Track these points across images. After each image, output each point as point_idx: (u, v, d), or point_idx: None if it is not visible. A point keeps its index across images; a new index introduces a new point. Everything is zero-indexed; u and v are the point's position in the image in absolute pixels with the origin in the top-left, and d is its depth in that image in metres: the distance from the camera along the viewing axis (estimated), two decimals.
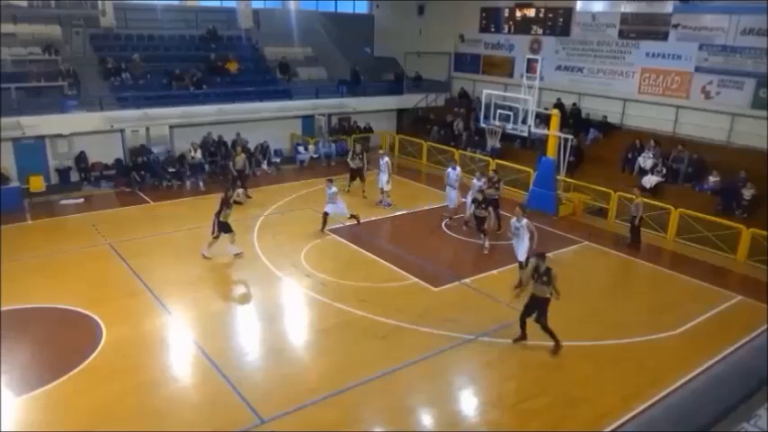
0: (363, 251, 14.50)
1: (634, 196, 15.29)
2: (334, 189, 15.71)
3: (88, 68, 21.14)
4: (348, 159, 19.07)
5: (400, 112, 27.20)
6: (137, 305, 11.50)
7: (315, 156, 23.07)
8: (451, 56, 27.88)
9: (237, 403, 8.62)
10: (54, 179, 19.14)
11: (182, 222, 16.15)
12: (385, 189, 17.82)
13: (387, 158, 17.84)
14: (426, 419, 8.76)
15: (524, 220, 12.61)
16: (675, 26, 19.73)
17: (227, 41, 25.04)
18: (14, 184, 17.40)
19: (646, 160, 18.70)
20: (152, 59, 22.46)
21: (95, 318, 10.82)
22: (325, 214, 15.47)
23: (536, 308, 9.84)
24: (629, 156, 19.30)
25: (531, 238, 12.47)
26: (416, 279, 12.91)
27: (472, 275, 13.13)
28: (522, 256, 12.66)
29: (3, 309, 11.07)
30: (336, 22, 29.34)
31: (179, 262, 13.61)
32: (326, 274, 13.00)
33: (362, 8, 32.25)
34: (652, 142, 18.95)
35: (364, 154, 18.98)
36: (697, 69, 19.30)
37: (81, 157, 19.33)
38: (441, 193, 19.52)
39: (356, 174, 18.75)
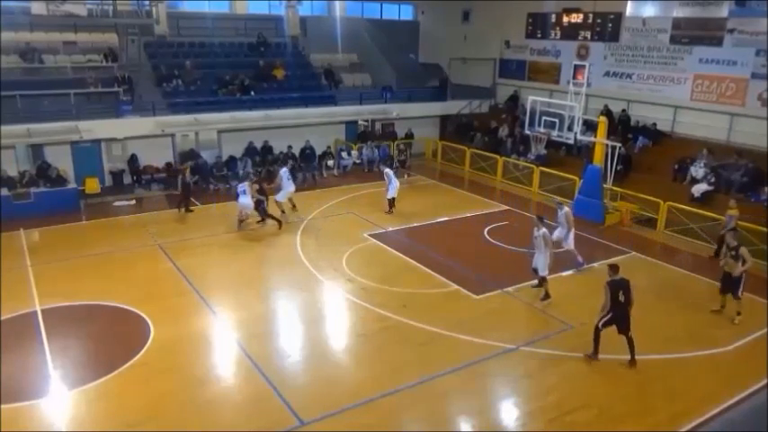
0: (404, 257, 14.49)
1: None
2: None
3: (142, 75, 21.94)
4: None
5: (444, 119, 27.14)
6: (183, 305, 11.83)
7: (357, 161, 23.24)
8: (496, 62, 27.66)
9: (278, 404, 8.74)
10: (108, 181, 19.96)
11: (228, 225, 16.49)
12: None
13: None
14: (465, 428, 8.68)
15: (542, 230, 11.97)
16: (731, 31, 19.06)
17: (274, 48, 25.54)
18: (72, 185, 18.20)
19: (697, 169, 18.09)
20: (202, 66, 23.10)
21: (144, 316, 11.20)
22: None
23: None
24: (680, 164, 18.69)
25: (549, 252, 11.91)
26: (458, 286, 12.82)
27: (514, 284, 12.92)
28: (542, 271, 12.11)
29: (58, 305, 11.59)
30: (381, 29, 29.48)
31: (224, 264, 13.95)
32: (368, 279, 13.06)
33: (407, 15, 32.37)
34: (705, 151, 18.33)
35: None
36: (754, 76, 18.57)
37: (133, 161, 20.07)
38: (482, 200, 19.43)
39: None
